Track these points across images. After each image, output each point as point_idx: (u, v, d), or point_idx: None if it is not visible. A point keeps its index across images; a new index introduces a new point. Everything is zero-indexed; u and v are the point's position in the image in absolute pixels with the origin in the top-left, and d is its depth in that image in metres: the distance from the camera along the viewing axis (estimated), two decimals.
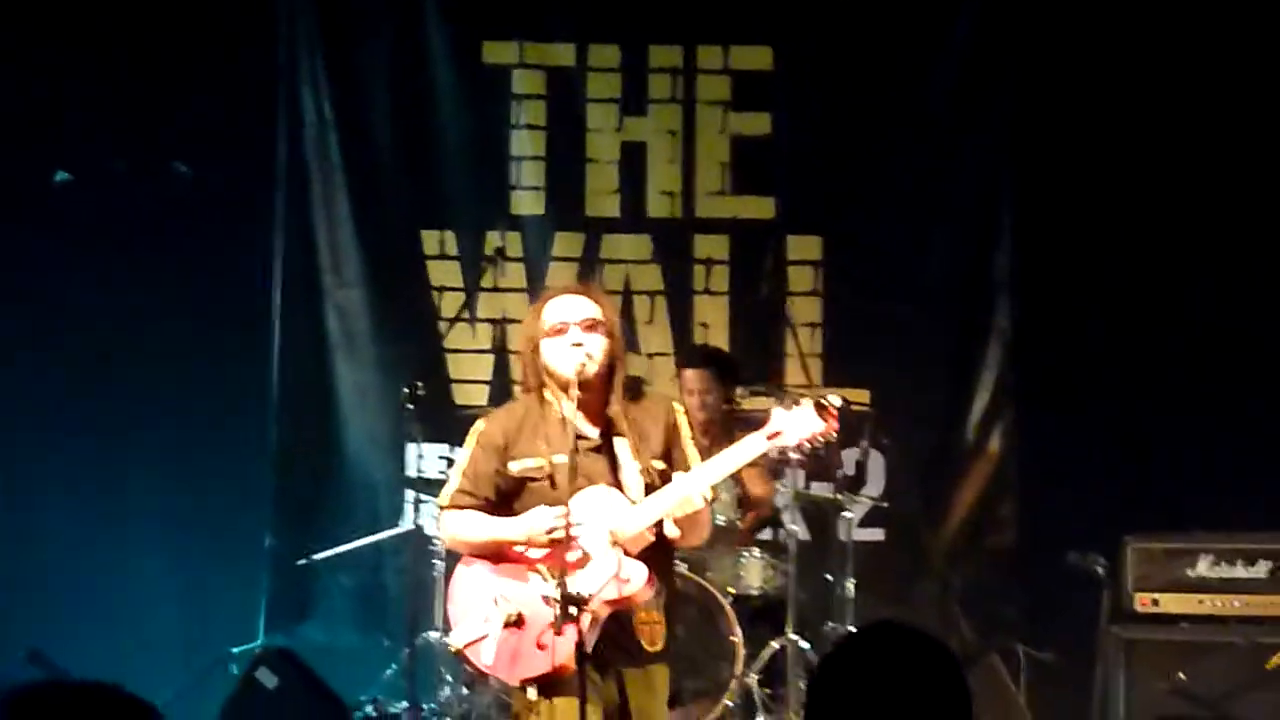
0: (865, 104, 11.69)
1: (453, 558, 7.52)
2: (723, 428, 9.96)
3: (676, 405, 7.23)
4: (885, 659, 3.74)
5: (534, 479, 6.80)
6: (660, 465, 6.84)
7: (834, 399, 6.93)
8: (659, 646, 6.91)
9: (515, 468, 6.82)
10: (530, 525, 6.66)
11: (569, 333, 6.74)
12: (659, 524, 6.76)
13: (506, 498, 6.87)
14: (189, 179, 11.33)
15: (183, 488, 10.98)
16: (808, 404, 6.86)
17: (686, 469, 6.81)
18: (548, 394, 6.88)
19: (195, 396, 11.19)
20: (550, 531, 6.56)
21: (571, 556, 6.55)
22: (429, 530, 9.94)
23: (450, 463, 9.88)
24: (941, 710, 3.64)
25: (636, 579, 6.66)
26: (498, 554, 6.87)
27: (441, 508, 7.06)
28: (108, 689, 3.42)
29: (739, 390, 10.61)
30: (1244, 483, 10.40)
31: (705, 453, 7.23)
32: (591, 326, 6.76)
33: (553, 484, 6.71)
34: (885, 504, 10.98)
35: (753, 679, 9.71)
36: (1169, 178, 11.13)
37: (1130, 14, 11.20)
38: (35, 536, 10.01)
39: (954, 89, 11.70)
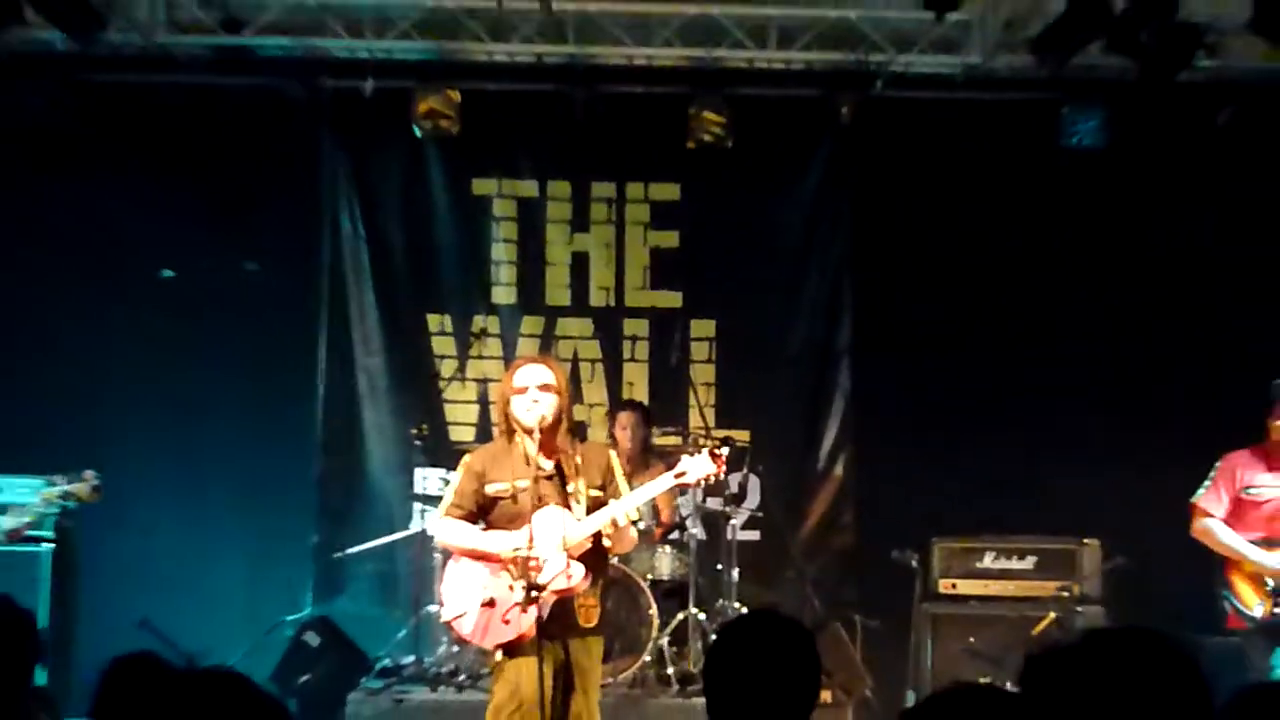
0: (746, 226, 11.71)
1: (446, 554, 7.52)
2: (643, 456, 10.12)
3: (612, 452, 7.43)
4: (761, 635, 3.92)
5: (503, 497, 6.95)
6: (597, 493, 6.98)
7: (725, 449, 7.24)
8: (594, 623, 7.11)
9: (490, 490, 7.00)
10: (500, 545, 6.84)
11: (528, 393, 6.94)
12: (597, 535, 6.87)
13: (484, 510, 7.01)
14: (258, 274, 11.30)
15: (251, 500, 10.91)
16: (705, 453, 7.19)
17: (618, 496, 6.96)
18: (516, 436, 6.97)
19: (261, 433, 11.09)
20: (515, 550, 6.72)
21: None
22: (430, 532, 9.90)
23: (446, 483, 9.87)
24: (799, 672, 3.80)
25: (577, 575, 6.87)
26: (480, 555, 6.99)
27: (442, 515, 7.16)
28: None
29: (655, 430, 10.67)
30: (1016, 501, 10.41)
31: (630, 475, 7.49)
32: (545, 388, 6.96)
33: (515, 501, 6.88)
34: (760, 514, 10.97)
35: (664, 641, 9.70)
36: (959, 276, 11.30)
37: (927, 171, 11.29)
38: (143, 534, 9.90)
39: (809, 215, 11.70)
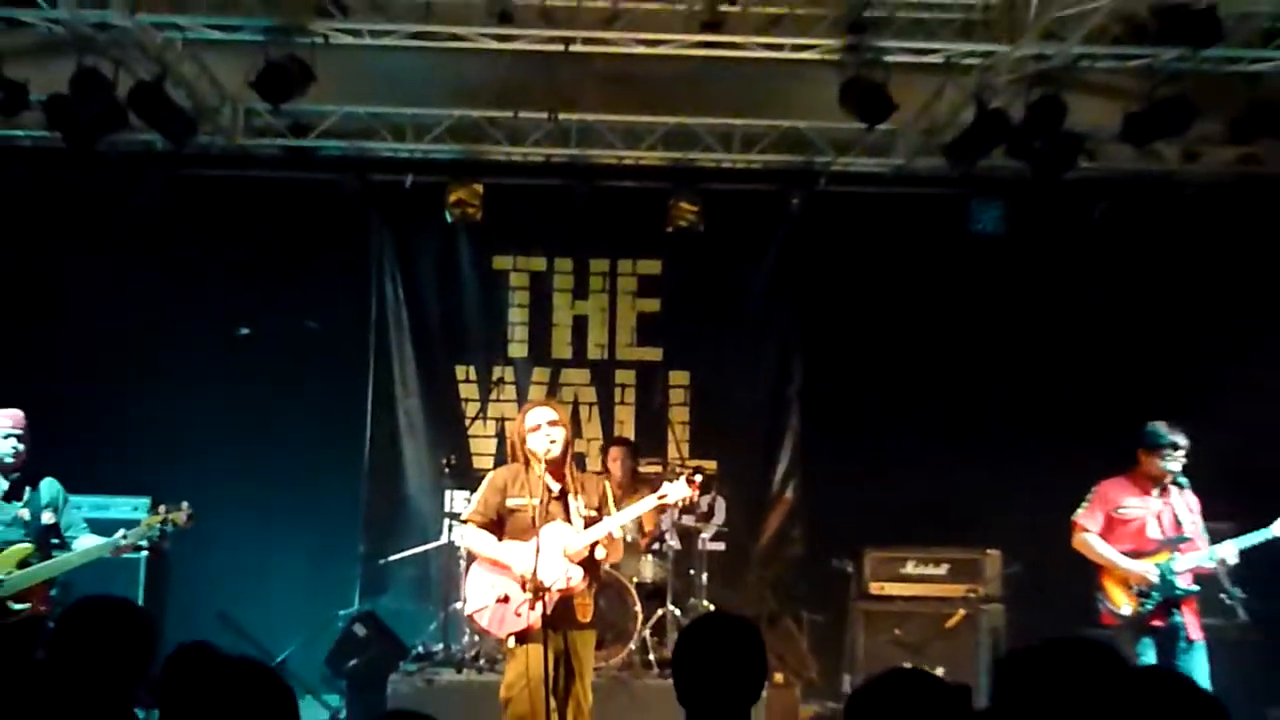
0: (715, 295, 11.67)
1: (469, 559, 7.58)
2: (631, 483, 10.03)
3: (606, 483, 7.44)
4: (715, 631, 4.03)
5: (519, 511, 6.99)
6: (593, 513, 7.04)
7: (698, 477, 7.28)
8: (589, 619, 7.14)
9: (510, 504, 7.05)
10: (514, 561, 6.92)
11: (542, 429, 7.00)
12: (592, 546, 6.96)
13: (502, 520, 7.08)
14: (317, 332, 11.35)
15: (309, 516, 10.82)
16: (683, 480, 7.22)
17: (609, 514, 7.04)
18: (531, 463, 7.03)
19: (318, 461, 11.11)
20: (522, 573, 6.80)
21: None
22: (456, 539, 9.96)
23: (468, 502, 9.99)
24: (747, 660, 3.90)
25: (576, 577, 6.94)
26: (495, 561, 7.04)
27: (462, 520, 7.33)
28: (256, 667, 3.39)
29: (640, 460, 10.71)
30: (934, 519, 10.42)
31: (619, 498, 7.47)
32: (554, 424, 7.02)
33: (528, 515, 6.88)
34: (725, 529, 10.86)
35: (647, 633, 9.58)
36: (889, 338, 11.31)
37: (863, 251, 11.38)
38: (221, 544, 9.86)
39: (767, 287, 11.75)
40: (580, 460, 8.70)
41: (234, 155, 11.09)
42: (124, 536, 7.47)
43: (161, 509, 7.61)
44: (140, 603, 9.74)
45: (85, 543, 7.53)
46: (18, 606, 7.22)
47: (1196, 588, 7.96)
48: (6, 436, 7.45)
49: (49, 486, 7.58)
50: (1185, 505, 8.02)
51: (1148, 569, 7.93)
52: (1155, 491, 8.08)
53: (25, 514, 7.44)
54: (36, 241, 10.82)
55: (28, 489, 7.51)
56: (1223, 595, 7.85)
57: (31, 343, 10.61)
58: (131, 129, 9.76)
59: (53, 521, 7.52)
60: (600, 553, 7.07)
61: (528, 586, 6.78)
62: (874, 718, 3.29)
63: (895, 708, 3.25)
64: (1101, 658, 3.08)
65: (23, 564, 7.33)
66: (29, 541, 7.41)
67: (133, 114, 9.45)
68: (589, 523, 7.03)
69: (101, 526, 7.78)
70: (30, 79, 9.31)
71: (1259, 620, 8.00)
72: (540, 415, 7.09)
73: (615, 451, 10.51)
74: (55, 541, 7.54)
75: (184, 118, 9.91)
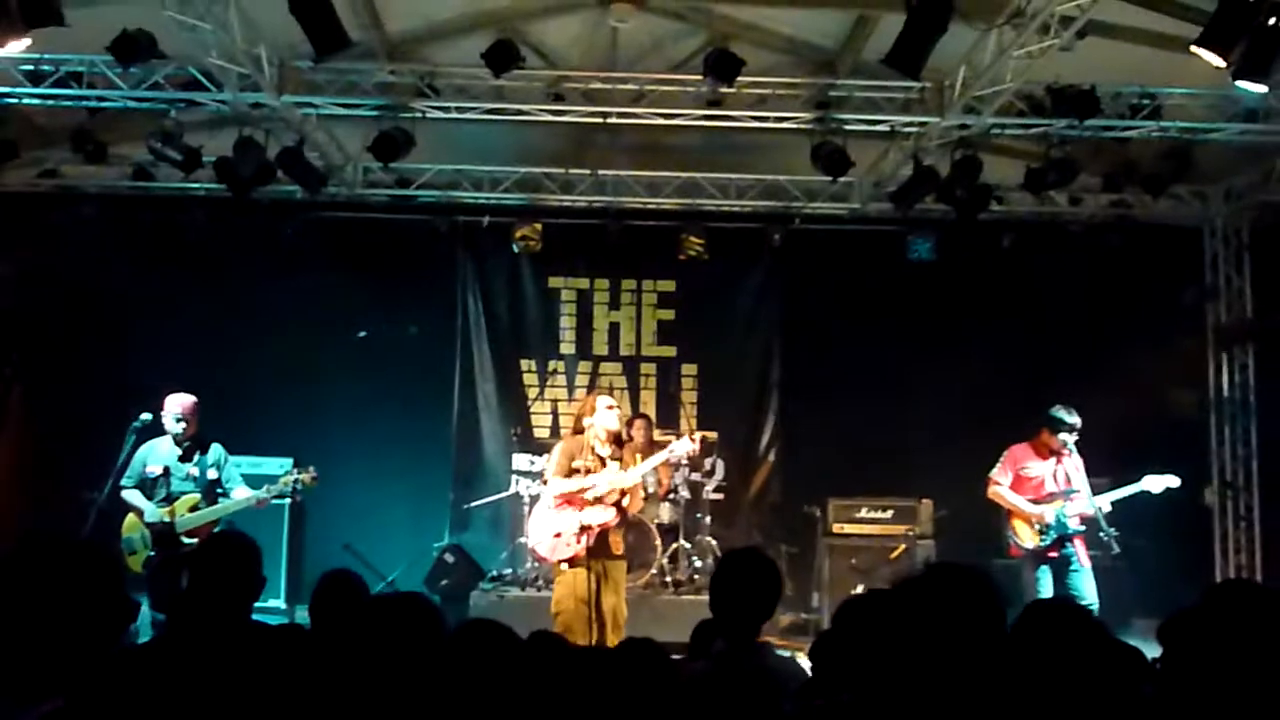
0: (715, 306, 11.64)
1: (532, 503, 7.54)
2: (649, 446, 9.90)
3: (638, 453, 7.46)
4: (746, 561, 4.00)
5: (578, 471, 6.99)
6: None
7: (697, 435, 7.69)
8: (620, 551, 7.13)
9: (576, 464, 7.01)
10: (588, 484, 6.92)
11: (614, 410, 7.14)
12: (622, 495, 6.95)
13: (572, 474, 7.00)
14: (417, 335, 11.35)
15: (411, 472, 10.88)
16: (685, 437, 7.34)
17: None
18: (588, 434, 7.03)
19: (418, 430, 11.14)
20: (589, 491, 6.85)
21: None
22: (521, 493, 9.95)
23: (532, 463, 10.07)
24: (767, 582, 3.92)
25: (610, 518, 6.93)
26: (566, 501, 7.00)
27: (553, 476, 7.18)
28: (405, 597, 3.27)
29: (657, 430, 10.66)
30: (882, 474, 10.35)
31: (642, 457, 7.51)
32: (612, 408, 7.11)
33: (589, 471, 6.95)
34: (724, 483, 10.76)
35: (664, 560, 9.68)
36: (847, 338, 11.15)
37: (827, 274, 11.27)
38: (345, 493, 9.84)
39: (754, 300, 11.69)
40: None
41: (354, 202, 11.08)
42: (266, 490, 7.59)
43: (294, 471, 7.72)
44: (285, 538, 9.89)
45: (239, 494, 7.61)
46: (188, 540, 7.35)
47: (1083, 528, 7.91)
48: (178, 420, 7.53)
49: (214, 451, 7.65)
50: (1074, 466, 7.97)
51: (1046, 511, 7.91)
52: (1052, 457, 8.03)
53: (195, 471, 7.54)
54: (208, 268, 10.80)
55: (198, 453, 7.60)
56: (1101, 534, 7.80)
57: (209, 344, 10.59)
58: (278, 182, 9.80)
59: (215, 477, 7.60)
60: (626, 500, 7.04)
61: (576, 522, 6.82)
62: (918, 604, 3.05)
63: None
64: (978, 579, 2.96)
65: (193, 509, 7.47)
66: (197, 492, 7.52)
67: (279, 171, 9.52)
68: (625, 470, 7.03)
69: (256, 480, 7.82)
70: (203, 145, 9.38)
71: (1125, 553, 7.93)
72: (605, 400, 7.18)
73: (638, 423, 10.38)
74: (219, 492, 7.62)
75: (317, 174, 9.96)
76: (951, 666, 2.60)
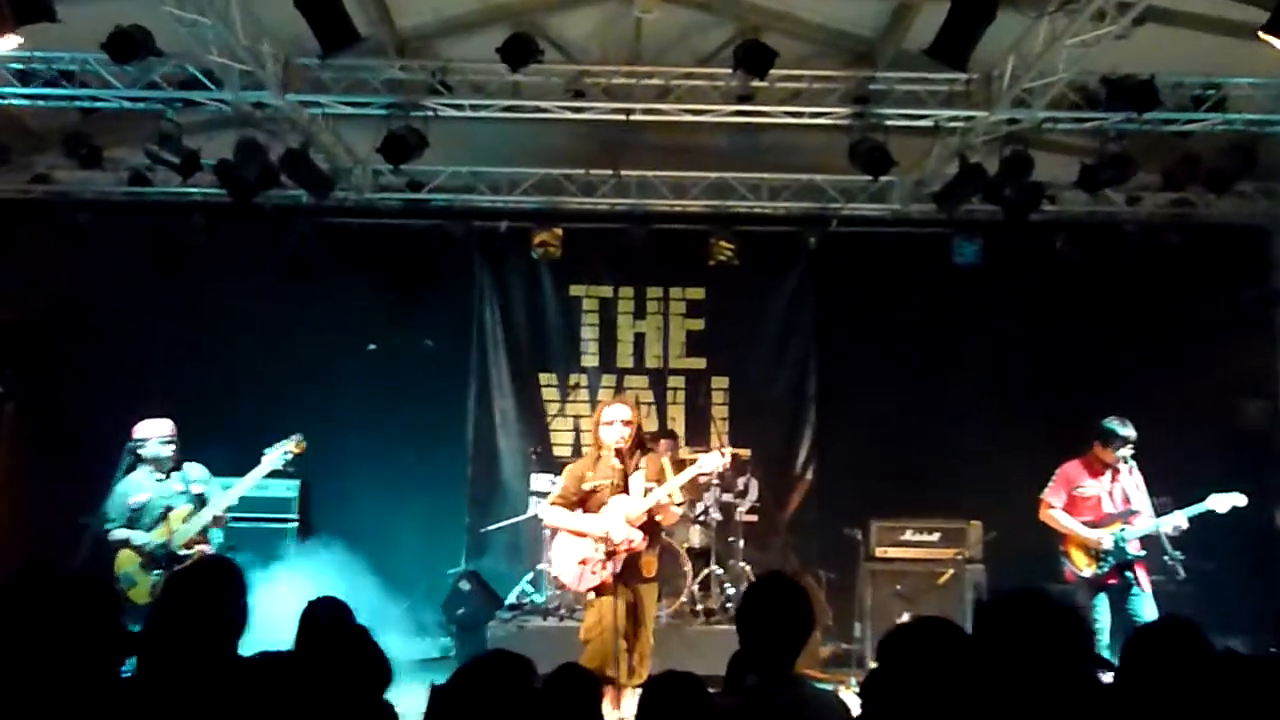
0: (747, 316, 11.55)
1: (553, 530, 7.48)
2: (675, 466, 9.94)
3: (664, 459, 7.31)
4: (773, 588, 3.89)
5: (595, 491, 6.93)
6: (653, 484, 6.91)
7: (727, 450, 7.35)
8: (653, 575, 7.03)
9: (586, 486, 6.96)
10: (590, 527, 6.87)
11: (615, 425, 6.93)
12: (650, 512, 6.88)
13: (582, 501, 6.99)
14: (432, 347, 11.34)
15: (425, 493, 10.90)
16: (715, 452, 7.20)
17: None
18: (604, 451, 6.96)
19: (432, 449, 11.13)
20: (600, 533, 6.79)
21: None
22: (541, 516, 9.89)
23: (553, 484, 9.90)
24: (798, 613, 3.81)
25: (638, 539, 6.83)
26: (574, 532, 6.95)
27: (550, 504, 7.16)
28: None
29: (686, 448, 10.55)
30: (928, 495, 10.27)
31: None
32: (627, 423, 6.94)
33: (601, 493, 6.90)
34: (757, 504, 10.63)
35: (695, 588, 9.63)
36: (887, 348, 11.13)
37: (866, 279, 11.22)
38: (352, 515, 9.87)
39: (788, 309, 11.56)
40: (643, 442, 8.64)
41: (363, 207, 11.13)
42: (253, 475, 7.66)
43: (279, 445, 7.76)
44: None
45: (228, 493, 7.68)
46: (185, 553, 7.40)
47: (1144, 552, 7.83)
48: (167, 442, 7.60)
49: (190, 467, 7.70)
50: (1134, 484, 7.88)
51: (1104, 536, 7.82)
52: (1107, 473, 7.94)
53: (179, 486, 7.59)
54: (208, 278, 10.83)
55: (174, 472, 7.64)
56: (1165, 558, 7.70)
57: (209, 358, 10.67)
58: (282, 186, 9.82)
59: (201, 491, 7.65)
60: (659, 517, 6.98)
61: (600, 549, 6.75)
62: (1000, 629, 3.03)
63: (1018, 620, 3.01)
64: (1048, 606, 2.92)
65: (187, 519, 7.52)
66: (189, 504, 7.58)
67: (283, 174, 9.55)
68: (648, 493, 6.92)
69: (259, 502, 7.90)
70: (202, 147, 9.37)
71: (1191, 577, 7.83)
72: (614, 413, 7.01)
73: (663, 444, 10.32)
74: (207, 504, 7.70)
75: (323, 177, 10.00)
76: (1041, 707, 2.52)
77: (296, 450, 7.81)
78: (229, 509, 7.68)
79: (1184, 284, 10.73)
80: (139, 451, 7.54)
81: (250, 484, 7.68)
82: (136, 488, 7.54)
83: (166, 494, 7.55)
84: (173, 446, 7.59)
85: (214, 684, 3.34)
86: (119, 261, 10.59)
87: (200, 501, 7.59)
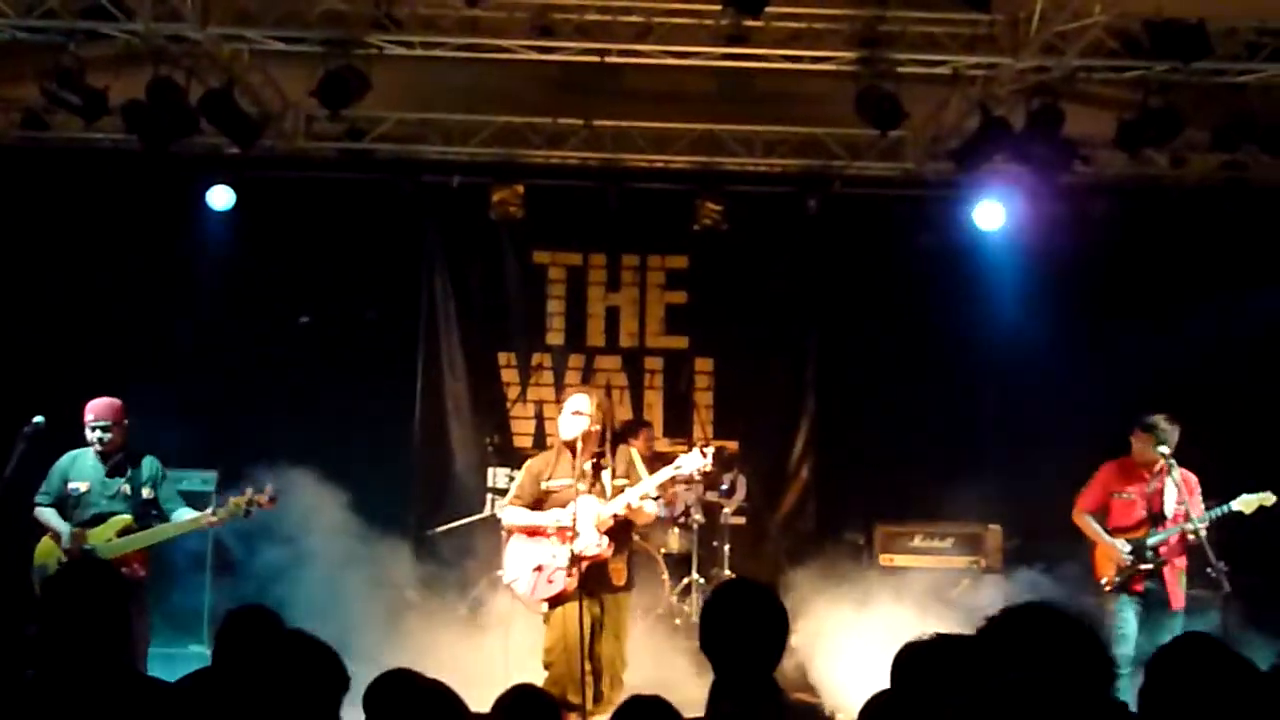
0: (737, 288, 11.57)
1: (509, 533, 7.48)
2: (650, 461, 9.95)
3: (633, 450, 7.42)
4: (742, 595, 3.89)
5: (555, 492, 7.04)
6: (623, 481, 7.01)
7: (709, 449, 7.24)
8: (623, 583, 7.12)
9: (545, 485, 7.09)
10: (546, 519, 6.97)
11: (569, 416, 7.08)
12: (622, 515, 6.95)
13: (540, 501, 7.10)
14: (376, 320, 11.38)
15: (367, 491, 10.77)
16: (695, 451, 7.20)
17: (637, 482, 7.00)
18: (566, 446, 7.03)
19: (373, 439, 11.00)
20: (556, 521, 6.87)
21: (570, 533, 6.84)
22: (499, 515, 9.90)
23: (511, 479, 9.95)
24: (772, 622, 3.75)
25: (605, 545, 6.90)
26: (532, 531, 7.03)
27: (508, 504, 7.26)
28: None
29: (665, 440, 10.76)
30: (939, 495, 10.29)
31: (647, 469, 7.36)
32: (578, 414, 7.05)
33: (563, 492, 7.00)
34: (746, 504, 10.89)
35: (674, 597, 9.72)
36: (898, 329, 11.17)
37: (874, 249, 11.29)
38: (273, 515, 9.93)
39: (784, 282, 11.58)
40: (622, 432, 8.64)
41: (295, 158, 11.10)
42: (214, 514, 7.71)
43: (249, 491, 7.74)
44: (208, 567, 9.82)
45: (182, 516, 7.72)
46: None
47: (1181, 559, 7.99)
48: (93, 428, 7.61)
49: (149, 464, 7.78)
50: (1176, 485, 7.97)
51: (1121, 545, 7.98)
52: (1149, 475, 8.08)
53: (126, 489, 7.65)
54: (115, 235, 10.79)
55: (129, 467, 7.69)
56: (1209, 569, 7.81)
57: (114, 327, 10.64)
58: (202, 133, 9.77)
59: (151, 496, 7.71)
60: (631, 517, 7.04)
61: (560, 554, 6.83)
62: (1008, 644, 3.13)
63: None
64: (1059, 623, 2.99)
65: (123, 533, 7.56)
66: (129, 513, 7.61)
67: (203, 119, 9.54)
68: (618, 493, 6.99)
69: None
70: (109, 86, 9.31)
71: (1239, 591, 7.93)
72: (572, 404, 7.14)
73: (643, 433, 10.39)
74: (155, 513, 7.73)
75: (250, 123, 10.00)
76: None
77: (266, 504, 7.74)
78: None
79: (1236, 254, 10.78)
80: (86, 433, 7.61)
81: (199, 523, 7.67)
82: (79, 472, 7.61)
83: (109, 492, 7.61)
84: (108, 435, 7.59)
85: (104, 704, 3.35)
86: (11, 214, 10.57)
87: (145, 512, 7.61)
